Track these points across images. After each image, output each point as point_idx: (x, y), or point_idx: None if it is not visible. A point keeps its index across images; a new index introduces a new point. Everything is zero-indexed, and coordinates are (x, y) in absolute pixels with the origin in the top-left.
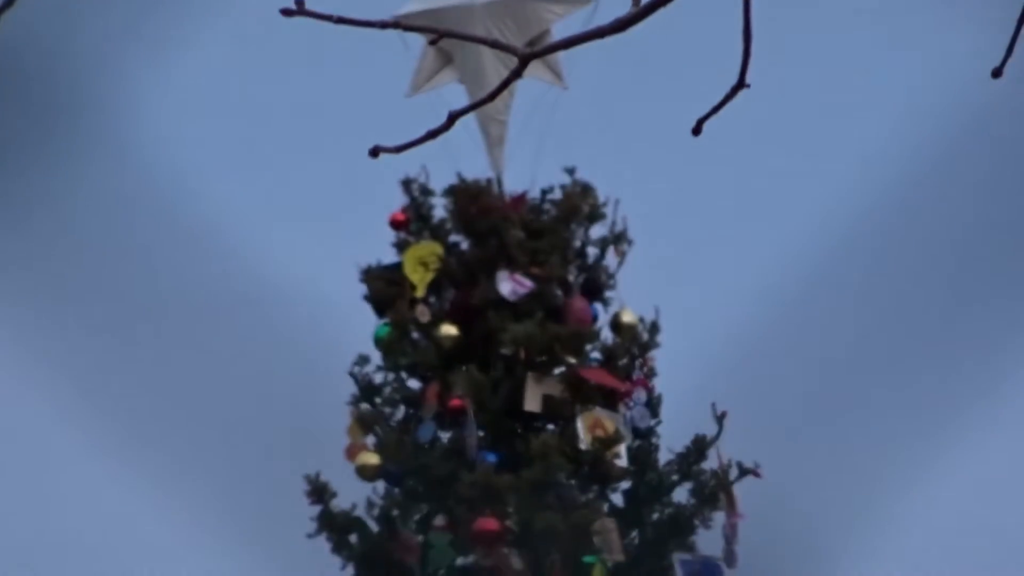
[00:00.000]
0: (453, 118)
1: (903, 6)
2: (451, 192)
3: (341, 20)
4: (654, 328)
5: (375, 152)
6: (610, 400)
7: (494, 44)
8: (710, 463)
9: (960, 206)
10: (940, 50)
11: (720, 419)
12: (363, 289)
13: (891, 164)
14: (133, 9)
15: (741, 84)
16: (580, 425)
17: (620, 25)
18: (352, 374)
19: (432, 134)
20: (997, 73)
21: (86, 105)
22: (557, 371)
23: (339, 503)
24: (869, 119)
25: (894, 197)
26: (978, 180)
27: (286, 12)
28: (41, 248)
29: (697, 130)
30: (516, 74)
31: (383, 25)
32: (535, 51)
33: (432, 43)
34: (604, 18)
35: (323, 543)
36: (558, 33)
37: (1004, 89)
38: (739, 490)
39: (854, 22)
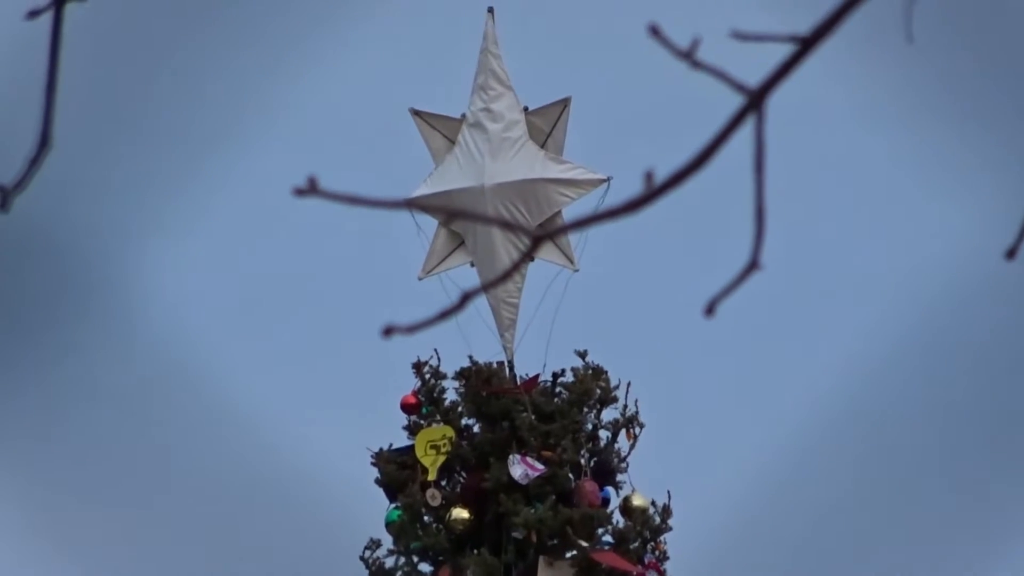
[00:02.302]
0: (466, 298)
1: (910, 180)
2: (462, 375)
3: (355, 200)
4: (666, 511)
5: (388, 331)
6: None
7: (506, 225)
8: None
9: (964, 383)
10: (943, 225)
11: None
12: (375, 473)
13: (892, 341)
14: (143, 181)
15: (754, 265)
16: None
17: (632, 205)
18: (363, 558)
19: (445, 314)
20: (1011, 254)
21: (97, 282)
22: (569, 555)
23: None
24: (874, 294)
25: (899, 373)
26: (981, 357)
27: (300, 192)
28: (48, 425)
29: (710, 310)
30: (528, 254)
31: (395, 205)
32: (547, 231)
33: (445, 224)
34: (614, 198)
35: None
36: (568, 215)
37: (1010, 268)
38: None
39: (856, 197)
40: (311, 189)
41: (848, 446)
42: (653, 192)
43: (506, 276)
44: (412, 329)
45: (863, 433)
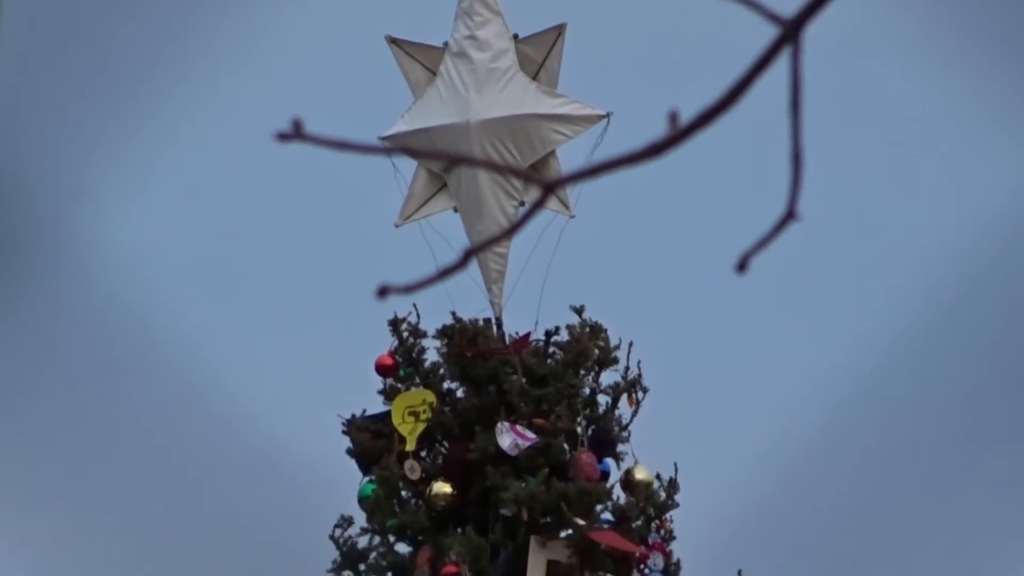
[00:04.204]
0: (468, 255)
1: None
2: (445, 333)
3: (341, 145)
4: (672, 486)
5: (383, 292)
6: (623, 566)
7: (515, 171)
8: None
9: (999, 347)
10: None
11: None
12: (346, 442)
13: (924, 304)
14: (116, 127)
15: (791, 215)
16: None
17: (655, 149)
18: (333, 538)
19: (445, 273)
20: None
21: (54, 227)
22: (564, 534)
23: None
24: (908, 250)
25: (920, 340)
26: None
27: (283, 137)
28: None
29: (742, 266)
30: (539, 204)
31: (388, 151)
32: (560, 179)
33: (446, 171)
34: (610, 140)
35: None
36: (562, 155)
37: None
38: None
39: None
40: (296, 134)
41: (872, 415)
42: (679, 134)
43: (514, 230)
44: (409, 289)
45: (888, 402)
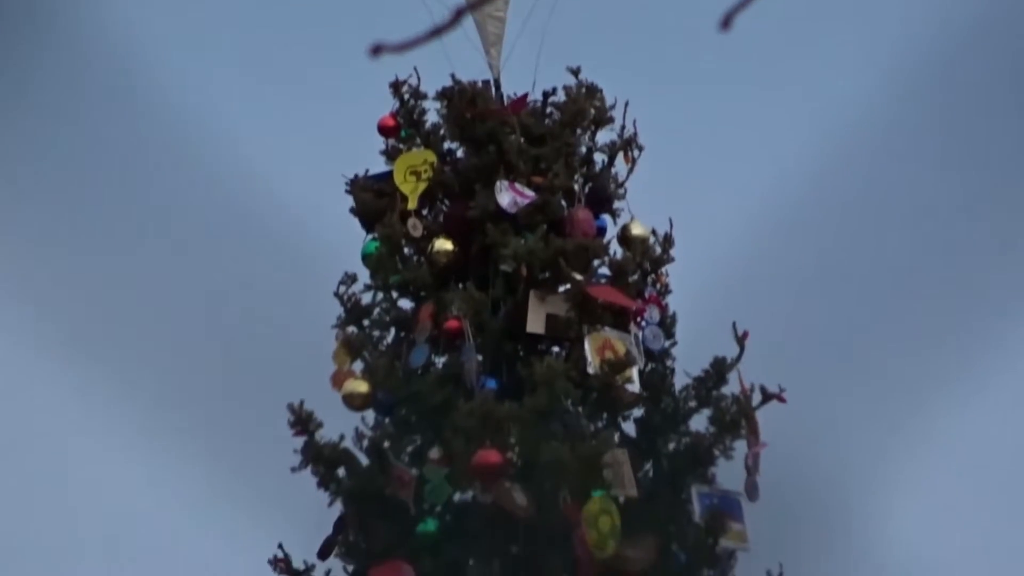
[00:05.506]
0: (459, 14)
1: None
2: (445, 95)
3: None
4: (667, 241)
5: (376, 50)
6: (620, 320)
7: None
8: (730, 388)
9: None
10: None
11: (741, 340)
12: (349, 201)
13: (920, 62)
14: None
15: None
16: (588, 347)
17: None
18: (338, 294)
19: (436, 32)
20: None
21: None
22: (562, 289)
23: (325, 434)
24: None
25: (921, 94)
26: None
27: None
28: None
29: (726, 23)
30: None
31: None
32: None
33: None
34: None
35: (308, 477)
36: None
37: None
38: (762, 417)
39: None
40: None
41: (863, 167)
42: None
43: None
44: (402, 48)
45: (880, 152)
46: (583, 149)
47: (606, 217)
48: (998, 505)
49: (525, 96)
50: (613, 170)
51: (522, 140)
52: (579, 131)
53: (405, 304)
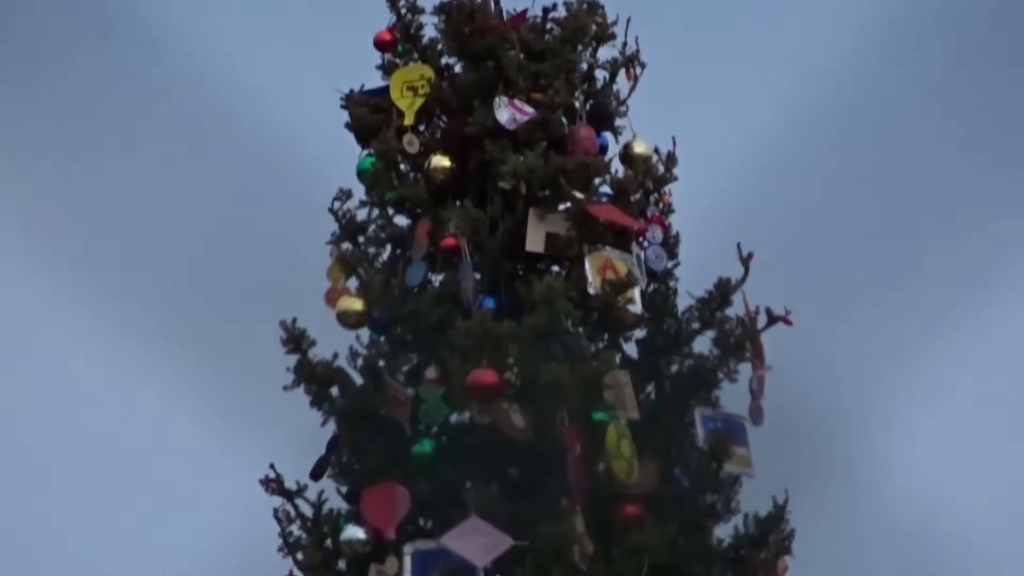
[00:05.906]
0: None
1: None
2: (443, 10)
3: None
4: (670, 160)
5: None
6: (622, 239)
7: None
8: (735, 309)
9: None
10: None
11: (746, 261)
12: (344, 116)
13: None
14: None
15: None
16: (588, 267)
17: None
18: (332, 210)
19: None
20: None
21: None
22: (562, 207)
23: (318, 353)
24: None
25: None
26: None
27: None
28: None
29: None
30: None
31: None
32: None
33: None
34: None
35: (301, 396)
36: None
37: None
38: (767, 339)
39: None
40: None
41: (875, 86)
42: None
43: None
44: None
45: (891, 74)
46: (584, 66)
47: (607, 135)
48: (1011, 430)
49: (525, 11)
50: (615, 87)
51: (522, 56)
52: (580, 47)
53: (401, 221)
